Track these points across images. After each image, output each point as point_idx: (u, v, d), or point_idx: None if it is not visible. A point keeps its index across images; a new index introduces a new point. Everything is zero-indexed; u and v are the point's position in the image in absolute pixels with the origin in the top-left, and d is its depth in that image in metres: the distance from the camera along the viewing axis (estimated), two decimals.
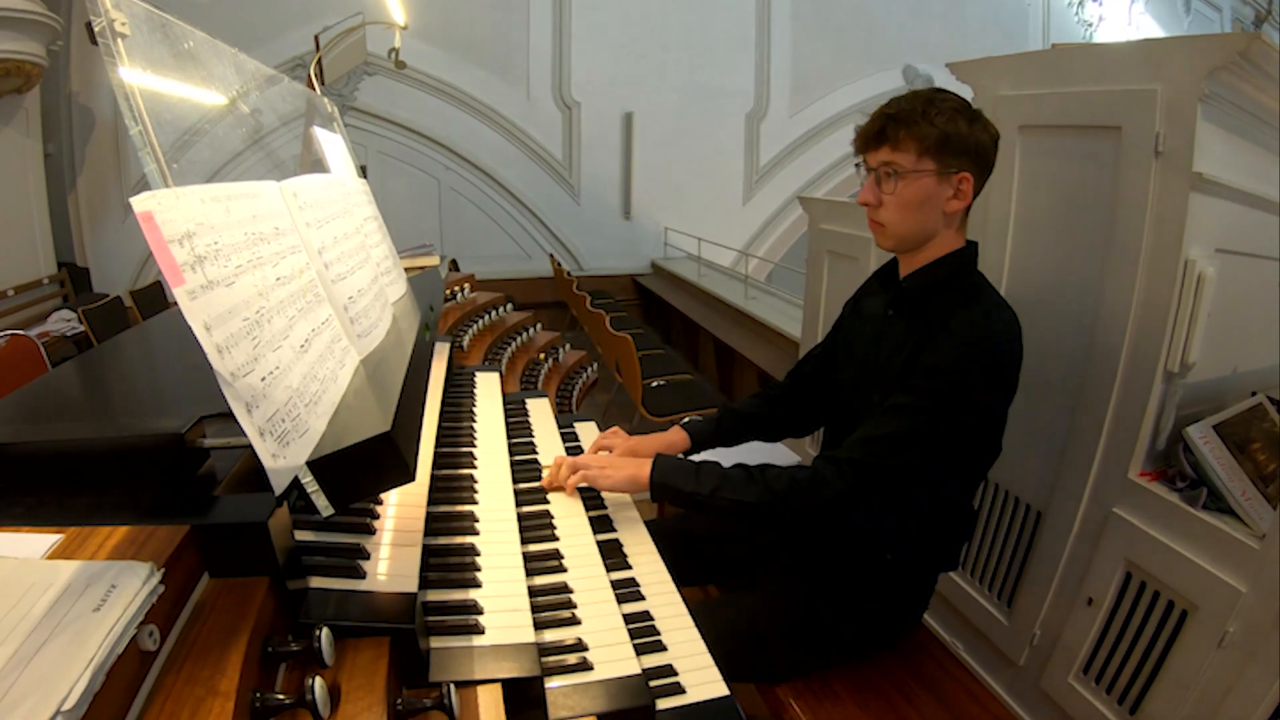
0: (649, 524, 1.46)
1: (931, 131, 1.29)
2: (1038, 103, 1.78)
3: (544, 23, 7.32)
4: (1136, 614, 1.59)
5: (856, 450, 1.33)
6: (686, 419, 1.76)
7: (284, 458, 0.76)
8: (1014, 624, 1.92)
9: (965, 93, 2.01)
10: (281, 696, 0.69)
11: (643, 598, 1.24)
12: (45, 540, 0.81)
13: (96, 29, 0.82)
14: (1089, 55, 1.75)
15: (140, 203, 0.70)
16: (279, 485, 0.76)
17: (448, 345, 1.98)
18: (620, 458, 1.56)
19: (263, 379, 0.77)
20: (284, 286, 0.93)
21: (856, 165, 1.42)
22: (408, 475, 0.87)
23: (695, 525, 1.75)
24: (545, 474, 1.51)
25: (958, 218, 1.38)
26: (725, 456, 1.57)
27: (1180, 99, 1.47)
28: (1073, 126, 1.71)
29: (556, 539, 1.31)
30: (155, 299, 4.97)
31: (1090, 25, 9.18)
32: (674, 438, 1.70)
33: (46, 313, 5.17)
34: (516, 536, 1.22)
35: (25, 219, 5.34)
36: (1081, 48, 1.93)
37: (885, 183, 1.35)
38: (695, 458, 1.58)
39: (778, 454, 2.17)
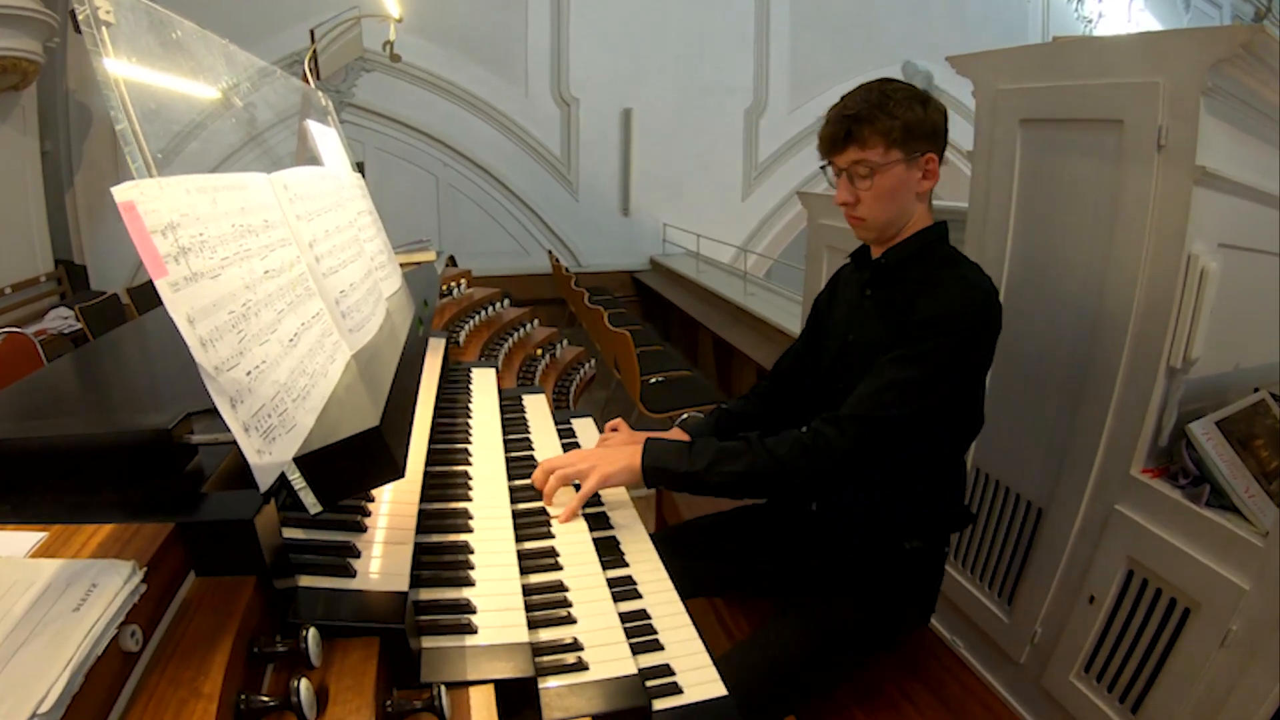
0: (650, 537, 1.43)
1: (894, 124, 1.32)
2: (1038, 96, 1.77)
3: (542, 19, 7.31)
4: (1138, 612, 1.58)
5: (860, 406, 1.33)
6: (685, 416, 1.74)
7: (270, 454, 0.75)
8: (1015, 622, 1.91)
9: (965, 87, 2.01)
10: (266, 698, 0.67)
11: (639, 596, 1.22)
12: (29, 538, 0.79)
13: (80, 17, 0.81)
14: (1090, 48, 1.73)
15: (122, 192, 0.68)
16: (264, 482, 0.74)
17: (443, 341, 1.97)
18: (608, 449, 1.50)
19: (248, 373, 0.75)
20: (273, 279, 0.91)
21: (823, 167, 1.45)
22: (397, 472, 0.85)
23: (696, 534, 1.71)
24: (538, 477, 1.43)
25: (928, 195, 1.43)
26: None
27: (1183, 92, 1.45)
28: (1074, 120, 1.69)
29: (552, 536, 1.30)
30: (153, 296, 4.93)
31: (1090, 21, 9.16)
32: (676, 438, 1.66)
33: (44, 310, 5.16)
34: (511, 534, 1.21)
35: (22, 216, 5.32)
36: (1082, 41, 1.92)
37: (859, 181, 1.38)
38: None
39: None
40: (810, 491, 1.53)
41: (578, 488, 1.40)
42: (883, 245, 1.47)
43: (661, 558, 1.34)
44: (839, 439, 1.31)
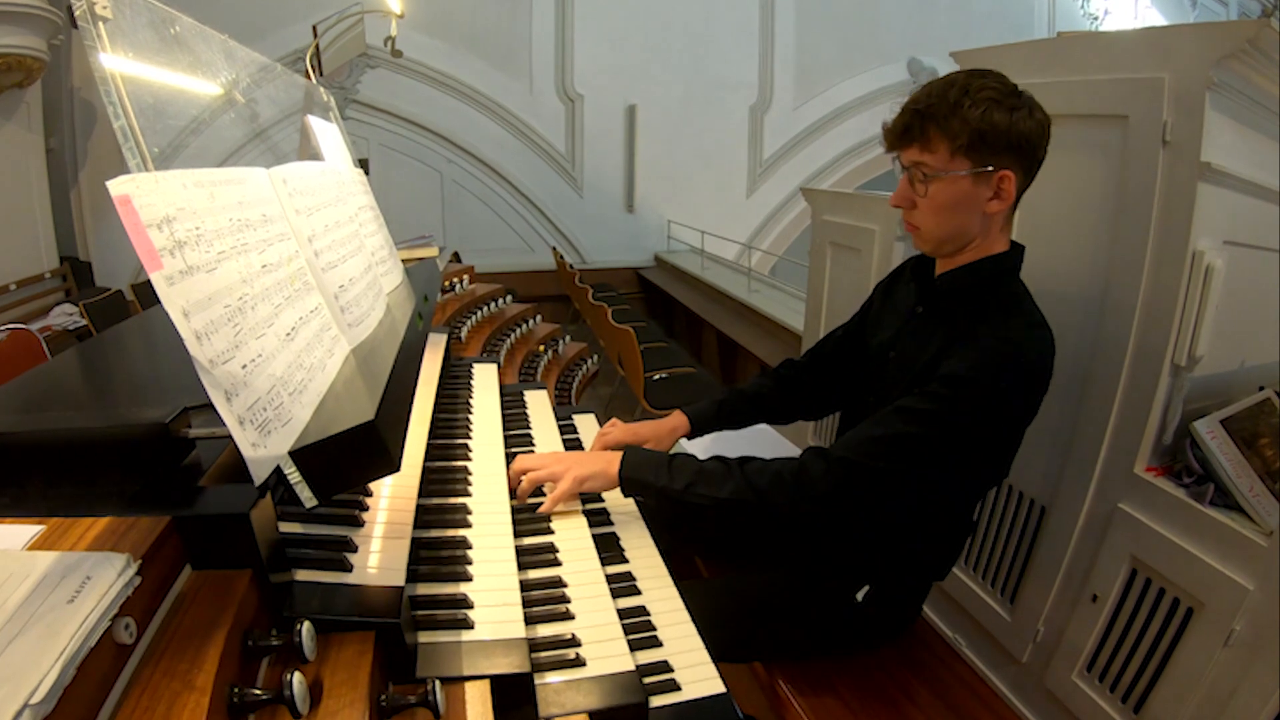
0: (640, 503, 1.44)
1: (963, 129, 1.16)
2: (1043, 92, 1.74)
3: (546, 15, 7.29)
4: (1141, 611, 1.56)
5: (852, 449, 1.26)
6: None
7: (264, 447, 0.74)
8: (1017, 620, 1.90)
9: None
10: (259, 691, 0.67)
11: (639, 592, 1.22)
12: (27, 531, 0.80)
13: (77, 12, 0.81)
14: (1095, 43, 1.72)
15: (117, 186, 0.68)
16: (259, 475, 0.74)
17: (444, 336, 1.97)
18: (587, 453, 1.50)
19: (244, 366, 0.75)
20: (270, 274, 0.91)
21: (894, 159, 1.30)
22: (392, 465, 0.85)
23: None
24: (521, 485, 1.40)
25: (1000, 219, 1.28)
26: (731, 443, 1.53)
27: (1188, 87, 1.44)
28: (1078, 115, 1.68)
29: (551, 532, 1.30)
30: (156, 292, 4.96)
31: (1096, 19, 9.11)
32: (674, 422, 1.66)
33: (49, 307, 5.17)
34: (510, 530, 1.21)
35: (27, 213, 5.34)
36: (1087, 36, 1.91)
37: (918, 184, 1.24)
38: (694, 447, 1.55)
39: (781, 445, 2.15)
40: (787, 525, 1.50)
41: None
42: (943, 259, 1.36)
43: (646, 520, 1.36)
44: (823, 480, 1.25)
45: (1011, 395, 1.22)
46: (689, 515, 1.38)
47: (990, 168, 1.19)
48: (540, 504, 1.36)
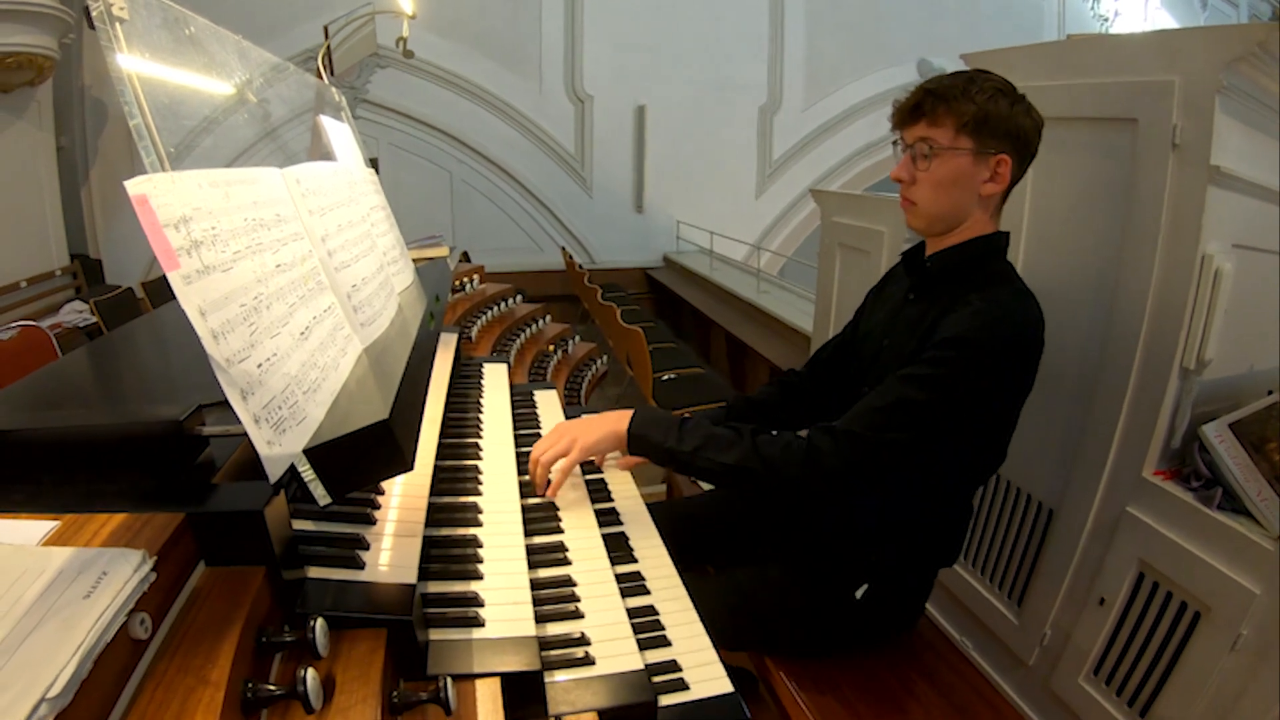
0: (650, 507, 1.44)
1: (970, 108, 1.25)
2: (1052, 94, 1.75)
3: (556, 15, 7.31)
4: (1149, 615, 1.56)
5: (857, 422, 1.27)
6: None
7: (279, 445, 0.75)
8: (1024, 623, 1.90)
9: None
10: (273, 687, 0.68)
11: (648, 592, 1.22)
12: (42, 527, 0.81)
13: (94, 13, 0.81)
14: (1104, 46, 1.72)
15: (135, 186, 0.69)
16: (274, 473, 0.75)
17: (455, 336, 1.97)
18: (594, 417, 1.49)
19: (259, 365, 0.76)
20: (284, 273, 0.92)
21: (894, 142, 1.38)
22: (406, 465, 0.86)
23: (697, 509, 1.75)
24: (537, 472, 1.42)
25: (992, 202, 1.35)
26: None
27: (1198, 91, 1.44)
28: (1087, 119, 1.68)
29: (561, 531, 1.30)
30: (167, 290, 4.97)
31: (1106, 20, 9.08)
32: None
33: (59, 304, 5.20)
34: (520, 529, 1.21)
35: (38, 211, 5.37)
36: (1096, 38, 1.90)
37: (920, 160, 1.31)
38: None
39: None
40: (795, 498, 1.52)
41: None
42: (933, 240, 1.41)
43: (659, 531, 1.36)
44: (831, 454, 1.26)
45: (1005, 356, 1.25)
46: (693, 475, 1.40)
47: (991, 150, 1.28)
48: (548, 501, 1.38)
